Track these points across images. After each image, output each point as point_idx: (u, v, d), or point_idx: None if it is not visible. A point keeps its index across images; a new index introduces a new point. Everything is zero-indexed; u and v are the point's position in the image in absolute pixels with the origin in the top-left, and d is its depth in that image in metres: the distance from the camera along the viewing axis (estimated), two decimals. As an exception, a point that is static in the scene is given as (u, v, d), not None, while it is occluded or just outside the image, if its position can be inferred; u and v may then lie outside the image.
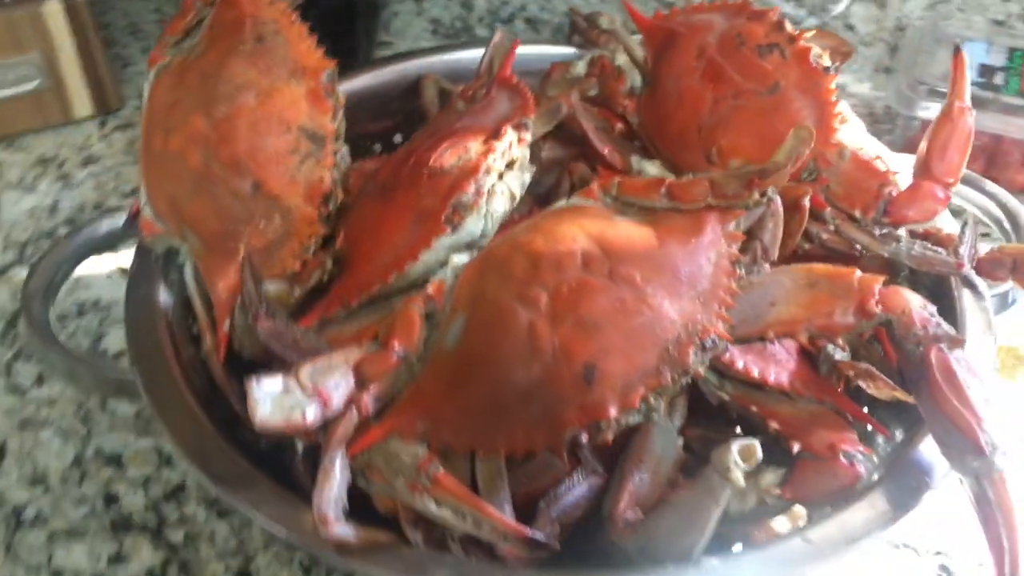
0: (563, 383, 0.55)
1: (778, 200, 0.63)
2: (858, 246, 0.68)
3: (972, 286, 0.70)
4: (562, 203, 0.67)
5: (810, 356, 0.65)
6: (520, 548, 0.56)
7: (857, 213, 0.68)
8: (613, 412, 0.54)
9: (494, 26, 1.27)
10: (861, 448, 0.60)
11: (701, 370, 0.57)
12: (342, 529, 0.52)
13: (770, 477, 0.60)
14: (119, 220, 0.74)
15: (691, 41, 0.79)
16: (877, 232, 0.68)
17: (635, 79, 0.84)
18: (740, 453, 0.51)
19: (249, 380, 0.53)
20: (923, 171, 0.68)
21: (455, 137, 0.67)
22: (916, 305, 0.58)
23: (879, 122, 1.06)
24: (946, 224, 0.76)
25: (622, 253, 0.59)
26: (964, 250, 0.67)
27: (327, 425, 0.55)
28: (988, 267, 0.70)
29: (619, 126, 0.83)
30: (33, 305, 0.70)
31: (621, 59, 0.85)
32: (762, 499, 0.60)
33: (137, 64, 1.29)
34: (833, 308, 0.59)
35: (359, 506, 0.56)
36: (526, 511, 0.60)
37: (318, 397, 0.55)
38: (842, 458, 0.59)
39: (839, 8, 1.25)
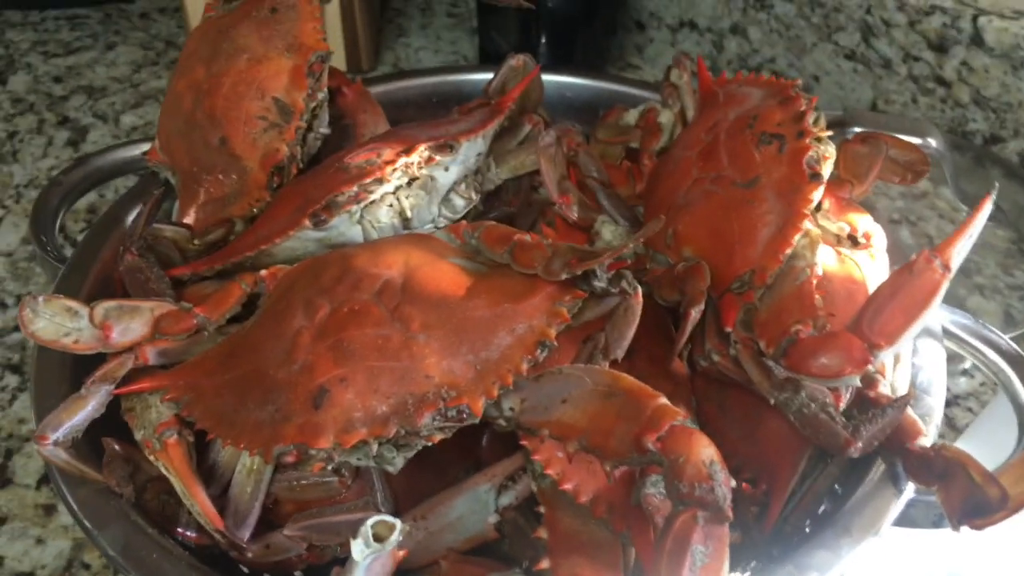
0: (296, 397, 0.53)
1: (635, 295, 0.55)
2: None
3: (894, 477, 0.57)
4: (428, 229, 0.64)
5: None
6: (220, 539, 0.56)
7: (763, 345, 0.57)
8: (325, 444, 0.51)
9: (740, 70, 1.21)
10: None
11: (437, 436, 0.53)
12: (52, 451, 0.55)
13: (507, 584, 0.54)
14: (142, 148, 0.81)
15: (717, 111, 0.71)
16: (778, 372, 0.57)
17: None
18: (374, 526, 0.46)
19: (34, 297, 0.57)
20: (854, 321, 0.55)
21: (382, 140, 0.67)
22: (699, 457, 0.47)
23: None
24: (934, 385, 0.62)
25: (419, 293, 0.55)
26: (867, 429, 0.54)
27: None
28: (915, 464, 0.56)
29: (639, 187, 0.77)
30: (45, 211, 0.78)
31: (665, 116, 0.78)
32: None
33: (409, 37, 1.43)
34: (613, 429, 0.50)
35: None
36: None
37: (101, 331, 0.58)
38: (575, 598, 0.52)
39: None
